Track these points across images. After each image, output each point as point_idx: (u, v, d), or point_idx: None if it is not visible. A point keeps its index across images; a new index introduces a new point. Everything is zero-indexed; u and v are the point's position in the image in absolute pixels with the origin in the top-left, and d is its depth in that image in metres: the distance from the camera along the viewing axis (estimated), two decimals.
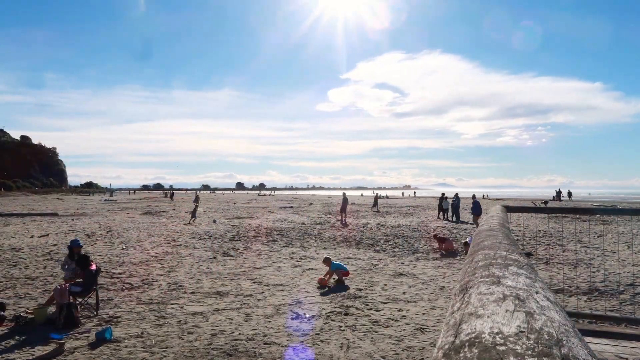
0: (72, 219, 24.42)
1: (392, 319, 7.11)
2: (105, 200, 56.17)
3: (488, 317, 0.80)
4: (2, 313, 6.98)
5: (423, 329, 6.65)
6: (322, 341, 6.10)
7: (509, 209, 5.52)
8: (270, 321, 6.99)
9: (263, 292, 8.83)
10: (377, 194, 37.28)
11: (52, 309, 7.26)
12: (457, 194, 25.45)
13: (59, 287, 7.37)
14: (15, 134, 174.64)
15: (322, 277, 9.70)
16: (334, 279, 9.72)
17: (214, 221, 22.97)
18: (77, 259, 8.00)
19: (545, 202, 42.59)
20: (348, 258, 12.99)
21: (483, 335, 0.71)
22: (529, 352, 0.64)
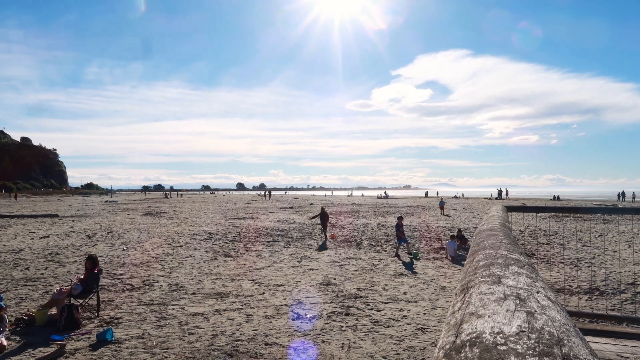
0: (73, 220, 24.43)
1: (393, 319, 7.11)
2: (106, 201, 56.32)
3: (489, 316, 0.80)
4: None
5: (424, 328, 6.65)
6: (323, 341, 6.10)
7: (510, 209, 5.53)
8: (271, 322, 6.99)
9: (264, 293, 8.83)
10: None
11: (53, 310, 7.26)
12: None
13: (59, 289, 7.36)
14: (16, 136, 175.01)
15: None
16: None
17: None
18: (87, 258, 7.94)
19: (500, 196, 52.00)
20: (349, 258, 12.98)
21: (484, 335, 0.71)
22: (530, 352, 0.64)
